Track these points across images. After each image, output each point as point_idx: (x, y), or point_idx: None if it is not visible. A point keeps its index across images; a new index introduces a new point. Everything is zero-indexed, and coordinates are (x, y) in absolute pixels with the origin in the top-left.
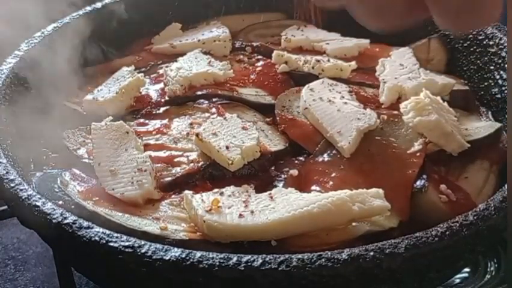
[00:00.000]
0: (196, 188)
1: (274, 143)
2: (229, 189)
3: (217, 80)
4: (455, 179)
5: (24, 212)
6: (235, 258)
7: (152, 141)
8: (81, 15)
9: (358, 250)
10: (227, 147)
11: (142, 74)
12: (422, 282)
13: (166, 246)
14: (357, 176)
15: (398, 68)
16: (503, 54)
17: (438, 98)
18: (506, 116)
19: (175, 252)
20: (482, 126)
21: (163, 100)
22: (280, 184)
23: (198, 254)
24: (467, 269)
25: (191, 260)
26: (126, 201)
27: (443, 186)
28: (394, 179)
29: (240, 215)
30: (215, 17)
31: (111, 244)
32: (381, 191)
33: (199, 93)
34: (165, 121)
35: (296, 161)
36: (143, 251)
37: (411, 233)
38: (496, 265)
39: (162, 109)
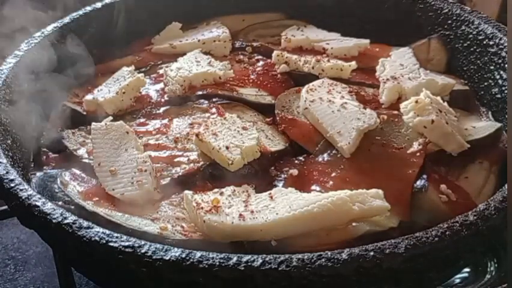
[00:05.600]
0: (196, 188)
1: (274, 143)
2: (229, 189)
3: (217, 80)
4: (455, 179)
5: (24, 212)
6: (235, 258)
7: (152, 141)
8: (81, 15)
9: (358, 250)
10: (227, 147)
11: (142, 74)
12: (422, 282)
13: (166, 246)
14: (357, 176)
15: (398, 68)
16: (503, 54)
17: (438, 98)
18: (506, 116)
19: (175, 252)
20: (482, 126)
21: (163, 100)
22: (280, 184)
23: (198, 254)
24: (467, 269)
25: (191, 260)
26: (126, 202)
27: (443, 186)
28: (394, 179)
29: (240, 215)
30: (215, 17)
31: (111, 244)
32: (380, 191)
33: (199, 93)
34: (165, 121)
35: (296, 161)
36: (143, 251)
37: (411, 233)
38: (496, 265)
39: (162, 109)
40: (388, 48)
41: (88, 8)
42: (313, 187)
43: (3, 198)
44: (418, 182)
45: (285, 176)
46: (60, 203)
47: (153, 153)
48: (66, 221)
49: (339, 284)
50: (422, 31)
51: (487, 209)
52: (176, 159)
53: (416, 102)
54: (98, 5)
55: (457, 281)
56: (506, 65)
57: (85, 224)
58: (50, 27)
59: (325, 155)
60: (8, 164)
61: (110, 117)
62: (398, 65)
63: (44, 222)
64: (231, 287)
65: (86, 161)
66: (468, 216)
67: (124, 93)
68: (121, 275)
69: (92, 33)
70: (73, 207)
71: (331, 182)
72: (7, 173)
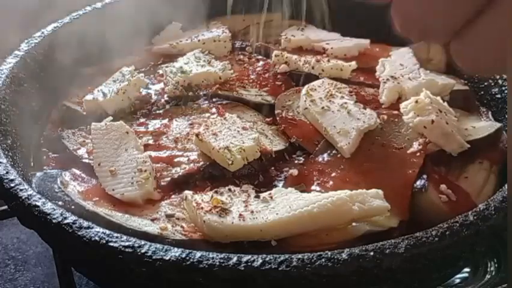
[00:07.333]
0: (196, 188)
1: (274, 143)
2: (229, 189)
3: (217, 80)
4: (455, 179)
5: (24, 212)
6: (235, 258)
7: (152, 141)
8: (81, 15)
9: (358, 250)
10: (227, 147)
11: (142, 74)
12: (422, 282)
13: (166, 246)
14: (357, 176)
15: (398, 68)
16: None
17: (438, 98)
18: (506, 116)
19: (175, 252)
20: (482, 126)
21: (163, 100)
22: (280, 184)
23: (198, 254)
24: (467, 269)
25: (191, 260)
26: (126, 202)
27: (443, 186)
28: (394, 179)
29: (240, 215)
30: (215, 17)
31: (111, 244)
32: (380, 191)
33: (199, 93)
34: (165, 121)
35: (296, 161)
36: (143, 251)
37: (411, 233)
38: (496, 265)
39: (162, 109)
40: (388, 48)
41: (88, 8)
42: (313, 187)
43: (3, 198)
44: (418, 182)
45: (285, 176)
46: (60, 203)
47: (153, 153)
48: (66, 221)
49: (339, 284)
50: None
51: (487, 209)
52: (176, 159)
53: (416, 102)
54: (98, 5)
55: (457, 281)
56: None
57: (85, 224)
58: (50, 27)
59: (325, 155)
60: (8, 164)
61: (110, 117)
62: (398, 65)
63: (44, 222)
64: (231, 287)
65: (86, 161)
66: (468, 216)
67: (124, 93)
68: (121, 275)
69: (92, 33)
70: (73, 207)
71: (331, 182)
72: (7, 173)
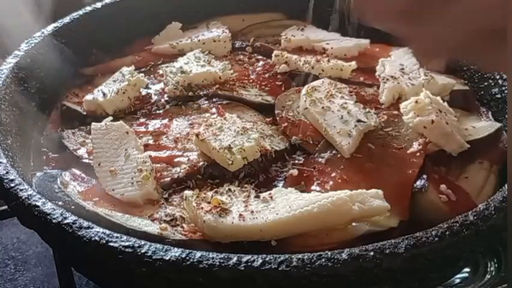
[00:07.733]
0: (196, 188)
1: (274, 143)
2: (229, 189)
3: (217, 80)
4: (455, 179)
5: (24, 212)
6: (235, 258)
7: (152, 141)
8: (81, 15)
9: (358, 250)
10: (227, 147)
11: (142, 74)
12: (422, 282)
13: (166, 246)
14: (357, 176)
15: (398, 68)
16: None
17: (438, 98)
18: (506, 116)
19: (175, 252)
20: (482, 126)
21: (163, 100)
22: (280, 184)
23: (198, 254)
24: (467, 269)
25: (191, 260)
26: (126, 202)
27: (443, 186)
28: (394, 179)
29: (240, 215)
30: (215, 17)
31: (111, 244)
32: (380, 191)
33: (199, 93)
34: (165, 121)
35: (296, 161)
36: (143, 251)
37: (411, 233)
38: (496, 265)
39: (162, 109)
40: (388, 48)
41: (88, 8)
42: (313, 187)
43: (3, 198)
44: (418, 182)
45: (285, 176)
46: (60, 203)
47: (153, 153)
48: (66, 221)
49: (339, 284)
50: None
51: (487, 209)
52: (176, 159)
53: (416, 102)
54: (98, 5)
55: (457, 281)
56: None
57: (85, 224)
58: (50, 27)
59: (325, 155)
60: (8, 164)
61: (110, 117)
62: (398, 65)
63: (44, 222)
64: (231, 287)
65: (86, 161)
66: (468, 216)
67: (124, 93)
68: (121, 275)
69: (92, 33)
70: (73, 207)
71: (331, 182)
72: (7, 173)
